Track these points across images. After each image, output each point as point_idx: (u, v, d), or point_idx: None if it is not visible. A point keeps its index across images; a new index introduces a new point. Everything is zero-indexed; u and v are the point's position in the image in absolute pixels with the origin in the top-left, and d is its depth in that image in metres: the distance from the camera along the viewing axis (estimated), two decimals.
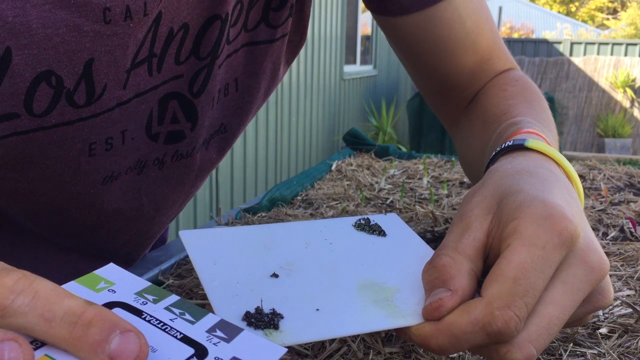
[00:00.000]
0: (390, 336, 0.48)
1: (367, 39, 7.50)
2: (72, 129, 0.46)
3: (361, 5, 6.81)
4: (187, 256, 0.65)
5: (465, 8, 0.61)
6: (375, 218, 0.47)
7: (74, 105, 0.45)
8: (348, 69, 6.50)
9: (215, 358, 0.27)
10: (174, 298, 0.31)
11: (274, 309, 0.35)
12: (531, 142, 0.44)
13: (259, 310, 0.34)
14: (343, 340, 0.47)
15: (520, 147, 0.45)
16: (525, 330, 0.33)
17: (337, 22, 5.86)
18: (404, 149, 1.36)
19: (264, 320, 0.34)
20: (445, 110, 0.70)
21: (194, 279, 0.58)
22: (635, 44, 8.93)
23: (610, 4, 25.61)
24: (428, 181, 0.95)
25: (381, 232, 0.46)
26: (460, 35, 0.61)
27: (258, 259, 0.41)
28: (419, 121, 6.31)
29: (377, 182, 0.93)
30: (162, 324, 0.29)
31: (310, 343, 0.46)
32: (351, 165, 1.05)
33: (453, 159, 1.10)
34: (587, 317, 0.38)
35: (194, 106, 0.54)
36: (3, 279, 0.25)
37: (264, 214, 0.77)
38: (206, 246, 0.41)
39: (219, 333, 0.29)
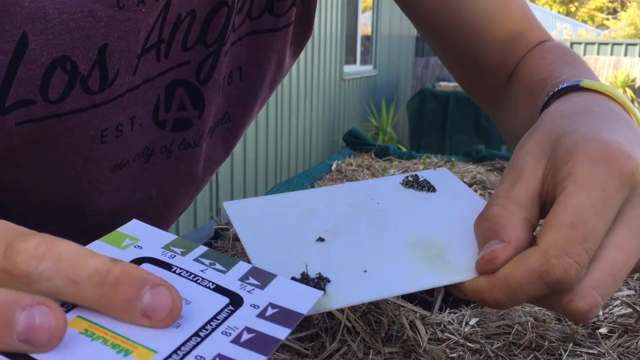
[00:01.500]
0: (390, 336, 0.48)
1: (367, 39, 7.50)
2: (86, 115, 0.46)
3: (361, 5, 6.81)
4: None
5: None
6: (425, 174, 0.45)
7: (88, 91, 0.45)
8: (348, 69, 6.50)
9: (251, 305, 0.27)
10: (202, 249, 0.30)
11: (320, 273, 0.34)
12: (587, 82, 0.42)
13: (304, 275, 0.34)
14: (343, 340, 0.47)
15: (576, 88, 0.42)
16: (587, 277, 0.32)
17: (337, 22, 5.86)
18: (404, 149, 1.36)
19: (310, 284, 0.33)
20: (481, 90, 0.67)
21: None
22: (635, 44, 8.93)
23: (610, 4, 25.61)
24: None
25: (430, 188, 0.44)
26: (487, 6, 0.59)
27: (302, 224, 0.40)
28: (419, 121, 6.31)
29: None
30: (193, 275, 0.28)
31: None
32: (351, 165, 1.05)
33: (453, 159, 1.10)
34: None
35: (200, 93, 0.54)
36: (23, 244, 0.24)
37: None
38: (250, 216, 0.41)
39: (252, 280, 0.28)
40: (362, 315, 0.50)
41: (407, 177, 0.45)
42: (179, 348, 0.24)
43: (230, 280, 0.28)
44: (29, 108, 0.43)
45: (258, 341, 0.25)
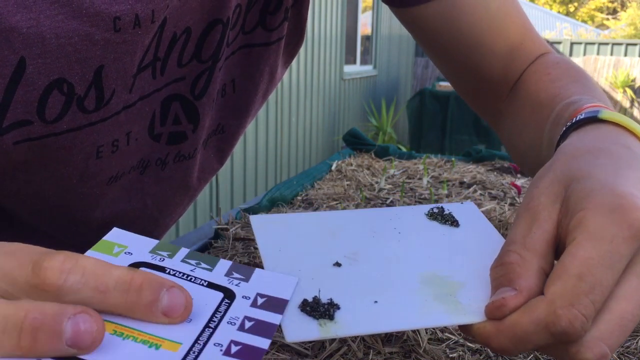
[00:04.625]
0: (390, 336, 0.48)
1: (367, 39, 7.50)
2: (82, 133, 0.46)
3: (361, 5, 6.81)
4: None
5: None
6: (450, 207, 0.46)
7: (84, 110, 0.45)
8: (348, 69, 6.50)
9: (242, 297, 0.31)
10: (184, 251, 0.33)
11: (331, 299, 0.35)
12: (605, 114, 0.41)
13: (316, 299, 0.34)
14: (343, 340, 0.47)
15: (593, 120, 0.42)
16: (595, 328, 0.32)
17: (337, 22, 5.86)
18: (404, 149, 1.36)
19: (319, 310, 0.34)
20: (484, 103, 0.66)
21: None
22: (635, 44, 8.93)
23: (610, 4, 25.61)
24: (428, 181, 0.95)
25: (454, 223, 0.44)
26: (486, 20, 0.59)
27: (323, 246, 0.40)
28: (419, 121, 6.31)
29: (377, 182, 0.93)
30: (185, 275, 0.31)
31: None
32: (351, 165, 1.05)
33: (453, 159, 1.10)
34: None
35: (195, 108, 0.54)
36: (50, 262, 0.27)
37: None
38: (274, 232, 0.41)
39: (236, 275, 0.32)
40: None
41: (432, 208, 0.45)
42: (198, 338, 0.28)
43: (218, 276, 0.32)
44: (26, 128, 0.43)
45: (259, 327, 0.29)
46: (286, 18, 0.58)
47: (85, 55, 0.42)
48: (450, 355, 0.45)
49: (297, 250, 0.40)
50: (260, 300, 0.31)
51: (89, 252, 0.32)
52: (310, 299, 0.34)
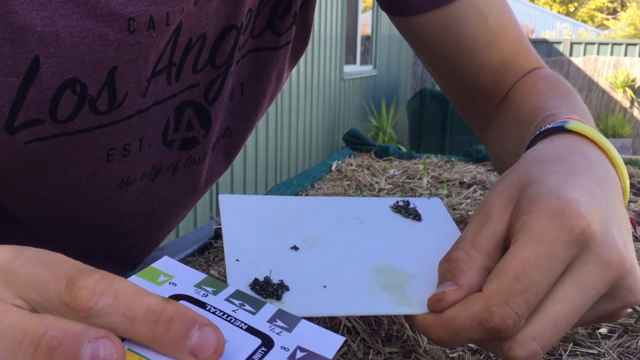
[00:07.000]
0: (390, 336, 0.48)
1: (367, 39, 7.50)
2: (93, 135, 0.46)
3: (361, 5, 6.81)
4: (186, 256, 0.65)
5: (487, 5, 0.59)
6: (416, 201, 0.47)
7: (96, 112, 0.45)
8: (348, 69, 6.50)
9: (281, 347, 0.28)
10: (231, 289, 0.32)
11: (281, 281, 0.36)
12: (572, 124, 0.42)
13: (267, 279, 0.35)
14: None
15: (560, 130, 0.43)
16: (529, 327, 0.33)
17: (337, 22, 5.86)
18: (404, 149, 1.36)
19: (268, 290, 0.35)
20: (473, 113, 0.68)
21: None
22: (635, 44, 8.93)
23: (610, 4, 25.62)
24: (428, 181, 0.95)
25: (416, 217, 0.45)
26: (483, 33, 0.60)
27: (285, 229, 0.41)
28: (419, 121, 6.31)
29: (377, 182, 0.93)
30: (226, 315, 0.30)
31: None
32: (351, 165, 1.05)
33: (453, 159, 1.10)
34: (619, 313, 0.37)
35: (208, 113, 0.55)
36: (84, 281, 0.26)
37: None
38: (240, 212, 0.42)
39: (279, 323, 0.30)
40: (362, 315, 0.50)
41: (397, 201, 0.46)
42: None
43: (260, 321, 0.30)
44: (37, 127, 0.43)
45: None
46: (294, 22, 0.58)
47: (98, 55, 0.42)
48: (450, 355, 0.45)
49: (259, 231, 0.41)
50: (299, 354, 0.28)
51: (133, 277, 0.31)
52: (261, 279, 0.35)
